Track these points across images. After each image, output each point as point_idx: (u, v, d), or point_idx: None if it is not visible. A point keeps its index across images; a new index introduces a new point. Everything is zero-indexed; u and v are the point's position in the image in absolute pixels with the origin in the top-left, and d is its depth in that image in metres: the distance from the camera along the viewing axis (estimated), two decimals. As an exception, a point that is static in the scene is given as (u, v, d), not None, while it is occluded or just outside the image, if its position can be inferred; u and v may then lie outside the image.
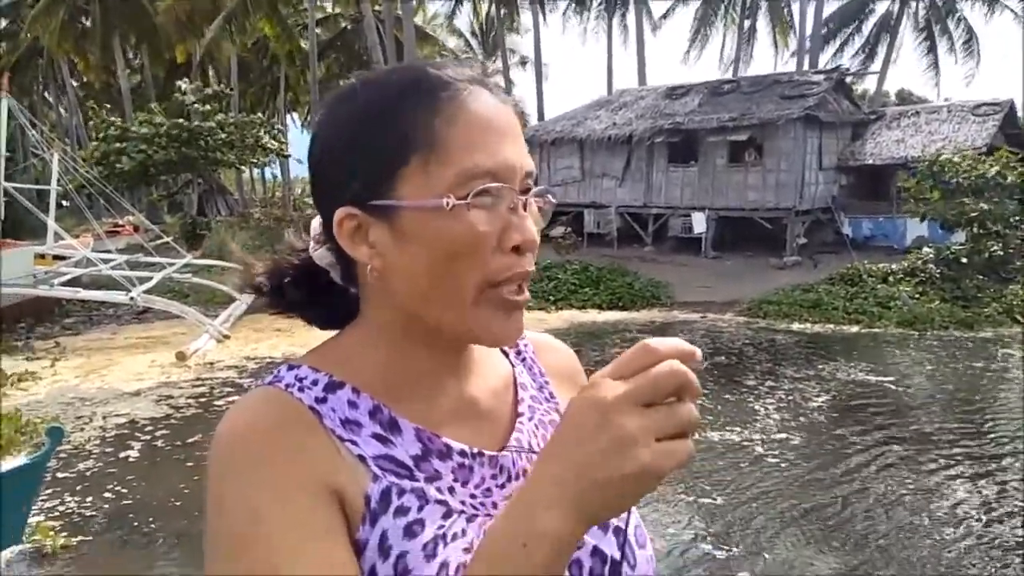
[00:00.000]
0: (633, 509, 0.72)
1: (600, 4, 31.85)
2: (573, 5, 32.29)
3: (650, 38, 32.35)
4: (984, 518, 5.50)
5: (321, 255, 0.74)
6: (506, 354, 0.81)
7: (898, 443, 7.25)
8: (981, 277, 14.55)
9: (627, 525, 0.70)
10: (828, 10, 29.63)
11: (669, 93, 22.06)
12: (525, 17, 33.57)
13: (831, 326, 13.46)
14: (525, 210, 0.66)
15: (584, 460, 0.53)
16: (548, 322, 14.15)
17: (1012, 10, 28.34)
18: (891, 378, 9.81)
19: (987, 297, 13.95)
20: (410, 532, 0.62)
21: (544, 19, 31.83)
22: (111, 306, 14.04)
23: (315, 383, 0.67)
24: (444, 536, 0.63)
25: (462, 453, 0.69)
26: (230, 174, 29.48)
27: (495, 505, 0.68)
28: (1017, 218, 14.79)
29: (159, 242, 17.53)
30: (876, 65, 30.77)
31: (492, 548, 0.57)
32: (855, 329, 13.24)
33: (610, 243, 20.65)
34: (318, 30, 29.95)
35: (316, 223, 0.75)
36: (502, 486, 0.70)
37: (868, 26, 31.34)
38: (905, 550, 5.00)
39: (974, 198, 14.69)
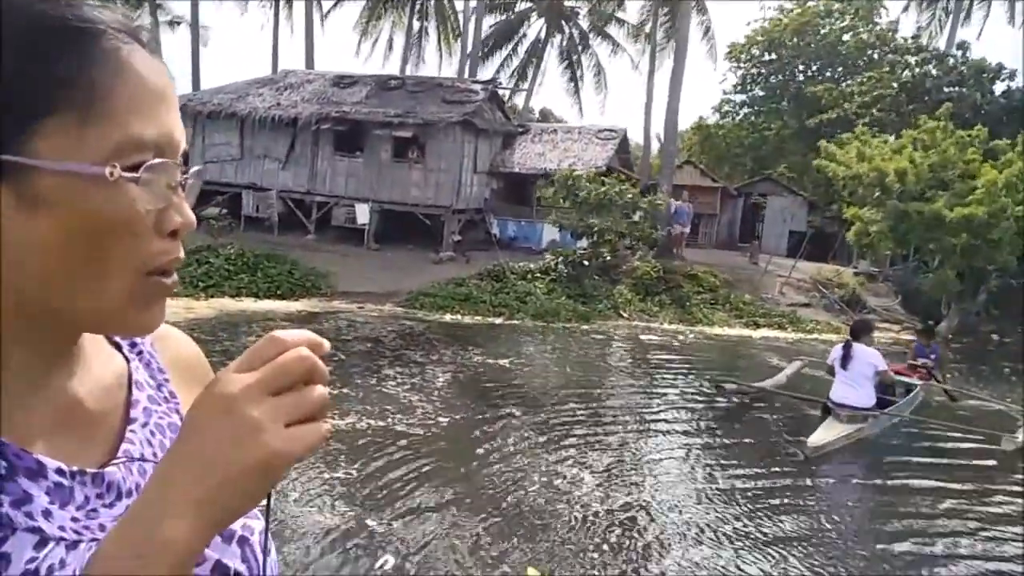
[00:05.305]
0: (258, 514, 0.68)
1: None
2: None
3: (320, 24, 31.70)
4: (586, 474, 6.51)
5: None
6: (119, 347, 0.70)
7: (517, 409, 8.45)
8: (597, 278, 17.15)
9: (252, 533, 0.65)
10: (488, 25, 32.25)
11: (337, 81, 21.88)
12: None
13: (479, 318, 14.67)
14: (184, 190, 0.59)
15: (209, 457, 0.49)
16: (197, 310, 13.08)
17: (629, 54, 33.92)
18: (506, 360, 11.08)
19: (601, 295, 16.49)
20: None
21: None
22: None
23: None
24: (37, 571, 0.53)
25: (59, 472, 0.58)
26: None
27: (103, 527, 0.59)
28: (624, 231, 17.74)
29: None
30: (526, 84, 34.36)
31: (101, 565, 0.49)
32: (499, 321, 14.60)
33: (270, 228, 19.80)
34: None
35: None
36: (110, 505, 0.61)
37: (522, 48, 34.81)
38: (537, 507, 5.68)
39: (595, 211, 17.26)
